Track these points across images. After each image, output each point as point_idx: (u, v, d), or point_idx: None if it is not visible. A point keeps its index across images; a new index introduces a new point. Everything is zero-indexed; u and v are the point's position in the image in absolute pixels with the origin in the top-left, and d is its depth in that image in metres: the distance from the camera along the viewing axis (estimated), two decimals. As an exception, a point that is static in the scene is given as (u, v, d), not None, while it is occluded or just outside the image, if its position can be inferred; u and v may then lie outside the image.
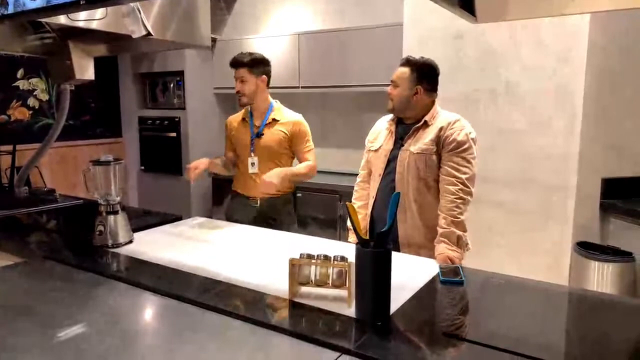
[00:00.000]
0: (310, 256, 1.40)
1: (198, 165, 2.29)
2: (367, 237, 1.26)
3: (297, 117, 2.49)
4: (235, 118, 2.58)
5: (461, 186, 1.89)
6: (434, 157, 1.94)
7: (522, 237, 2.90)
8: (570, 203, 2.76)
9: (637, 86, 2.80)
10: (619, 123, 2.82)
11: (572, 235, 2.78)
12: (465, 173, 1.90)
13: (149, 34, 1.43)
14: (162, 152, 4.51)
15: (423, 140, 1.97)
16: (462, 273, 1.57)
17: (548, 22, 2.66)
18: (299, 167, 2.43)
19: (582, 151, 2.72)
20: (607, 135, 2.81)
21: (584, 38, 2.63)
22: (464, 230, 1.89)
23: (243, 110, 2.55)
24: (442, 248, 1.85)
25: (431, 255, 1.90)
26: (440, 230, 1.89)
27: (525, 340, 1.18)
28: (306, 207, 3.55)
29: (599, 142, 2.79)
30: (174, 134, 4.40)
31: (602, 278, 2.62)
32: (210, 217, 3.39)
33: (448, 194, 1.90)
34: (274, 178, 2.18)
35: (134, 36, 1.49)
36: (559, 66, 2.71)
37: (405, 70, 1.99)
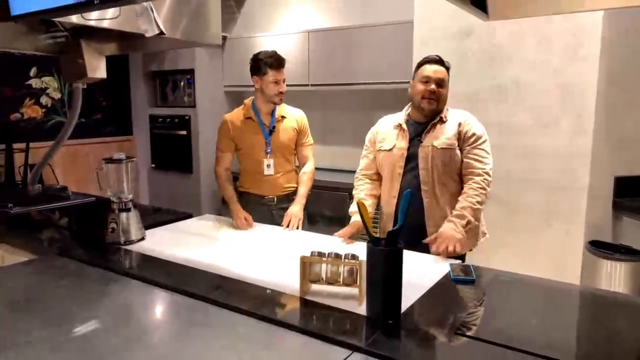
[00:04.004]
0: (321, 254, 1.41)
1: (248, 218, 2.26)
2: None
3: (300, 112, 2.54)
4: (236, 117, 2.48)
5: (485, 176, 1.95)
6: (457, 151, 1.99)
7: (532, 236, 2.88)
8: (582, 202, 2.73)
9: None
10: (631, 121, 2.78)
11: (584, 234, 2.76)
12: (487, 164, 1.97)
13: (161, 32, 1.43)
14: (173, 150, 4.53)
15: (445, 135, 2.00)
16: (473, 271, 1.57)
17: (557, 19, 2.62)
18: (305, 186, 2.46)
19: (594, 149, 2.68)
20: (619, 133, 2.77)
21: (596, 35, 2.59)
22: (477, 219, 1.93)
23: (243, 108, 2.48)
24: (447, 227, 1.87)
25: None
26: (454, 212, 1.92)
27: (536, 339, 1.18)
28: (314, 204, 3.54)
29: (611, 140, 2.75)
30: (184, 132, 4.41)
31: (614, 277, 2.59)
32: (220, 214, 3.40)
33: (472, 183, 1.95)
34: (299, 214, 2.31)
35: (146, 35, 1.50)
36: (569, 64, 2.68)
37: (443, 69, 2.01)
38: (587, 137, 2.67)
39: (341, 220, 3.63)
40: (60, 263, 1.74)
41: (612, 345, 1.20)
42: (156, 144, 4.69)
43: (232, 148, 2.48)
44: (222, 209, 4.44)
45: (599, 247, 2.67)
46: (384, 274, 1.24)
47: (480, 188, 1.93)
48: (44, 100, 4.20)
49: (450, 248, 1.75)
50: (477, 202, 1.91)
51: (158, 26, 1.42)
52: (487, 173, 1.97)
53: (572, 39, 2.65)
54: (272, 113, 2.44)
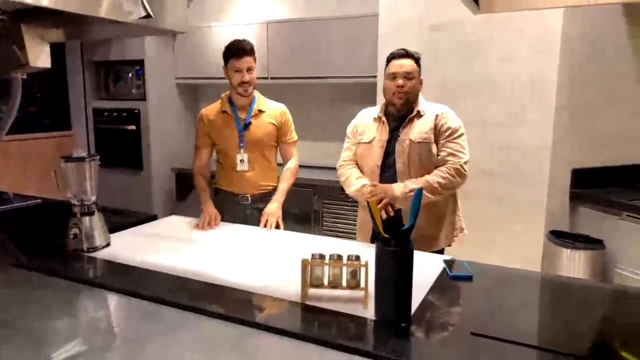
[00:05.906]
0: (322, 256, 1.33)
1: (212, 220, 2.11)
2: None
3: (282, 106, 2.41)
4: (212, 111, 2.35)
5: (459, 167, 1.93)
6: (433, 145, 1.97)
7: (497, 227, 2.95)
8: (543, 193, 2.83)
9: (608, 79, 2.89)
10: (591, 115, 2.91)
11: (544, 224, 2.86)
12: (461, 158, 1.95)
13: (148, 15, 1.27)
14: (120, 145, 4.22)
15: (422, 129, 1.97)
16: (468, 267, 1.55)
17: (526, 12, 2.67)
18: (286, 182, 2.35)
19: (555, 142, 2.79)
20: (578, 126, 2.88)
21: (557, 30, 2.68)
22: (431, 192, 1.87)
23: (219, 102, 2.35)
24: (395, 185, 1.90)
25: (438, 245, 2.05)
26: (411, 179, 1.92)
27: (552, 335, 1.16)
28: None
29: (571, 133, 2.87)
30: (133, 127, 4.13)
31: (573, 265, 2.72)
32: (173, 212, 3.21)
33: (443, 167, 1.94)
34: (277, 212, 2.19)
35: (131, 18, 1.33)
36: (534, 58, 2.76)
37: (412, 62, 1.96)
38: (549, 130, 2.77)
39: (306, 217, 3.56)
40: (16, 275, 1.54)
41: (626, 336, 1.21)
42: (101, 139, 4.35)
43: (209, 144, 2.35)
44: (176, 208, 4.22)
45: (558, 237, 2.79)
46: (396, 276, 1.18)
47: (450, 174, 1.91)
48: (-32, 91, 3.77)
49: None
50: (439, 182, 1.89)
51: (145, 8, 1.26)
52: (460, 165, 1.95)
53: (539, 33, 2.72)
54: (250, 107, 2.31)
